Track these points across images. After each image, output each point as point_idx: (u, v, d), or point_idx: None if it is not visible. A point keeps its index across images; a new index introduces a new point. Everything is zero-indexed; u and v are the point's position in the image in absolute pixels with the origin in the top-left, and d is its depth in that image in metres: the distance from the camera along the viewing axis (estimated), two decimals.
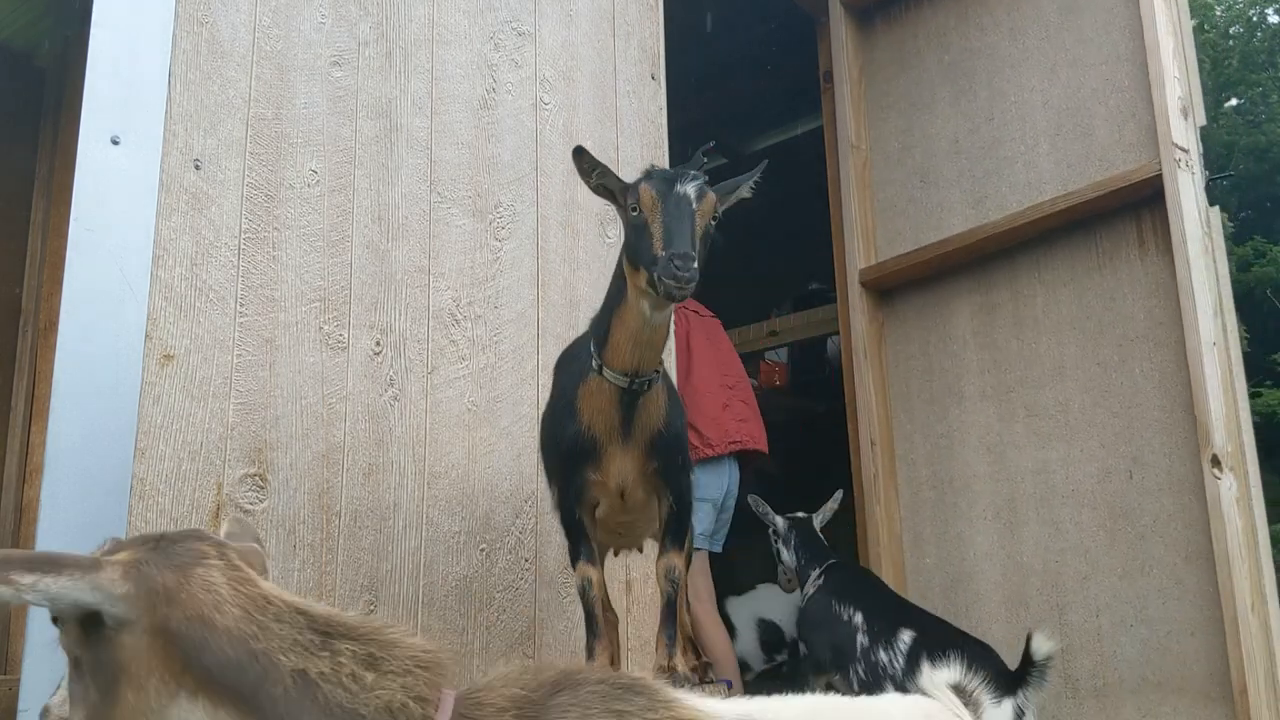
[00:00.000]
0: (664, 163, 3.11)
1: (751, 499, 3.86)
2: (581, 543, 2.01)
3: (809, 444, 5.57)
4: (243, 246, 2.09)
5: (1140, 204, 3.27)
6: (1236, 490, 2.94)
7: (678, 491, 2.00)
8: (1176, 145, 3.13)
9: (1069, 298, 3.46)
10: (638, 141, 3.05)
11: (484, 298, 2.54)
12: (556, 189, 2.78)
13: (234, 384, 2.03)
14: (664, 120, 3.15)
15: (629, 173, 2.99)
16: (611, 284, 1.95)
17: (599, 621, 2.00)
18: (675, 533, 2.00)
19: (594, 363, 1.89)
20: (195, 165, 2.04)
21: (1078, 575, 3.28)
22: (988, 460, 3.59)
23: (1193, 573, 3.00)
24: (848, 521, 4.05)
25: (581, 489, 1.97)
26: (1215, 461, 2.94)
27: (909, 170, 4.00)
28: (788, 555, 3.80)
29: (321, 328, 2.20)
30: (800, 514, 3.87)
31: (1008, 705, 2.70)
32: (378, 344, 2.29)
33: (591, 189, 1.94)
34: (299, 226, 2.19)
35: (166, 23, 2.02)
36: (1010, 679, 2.73)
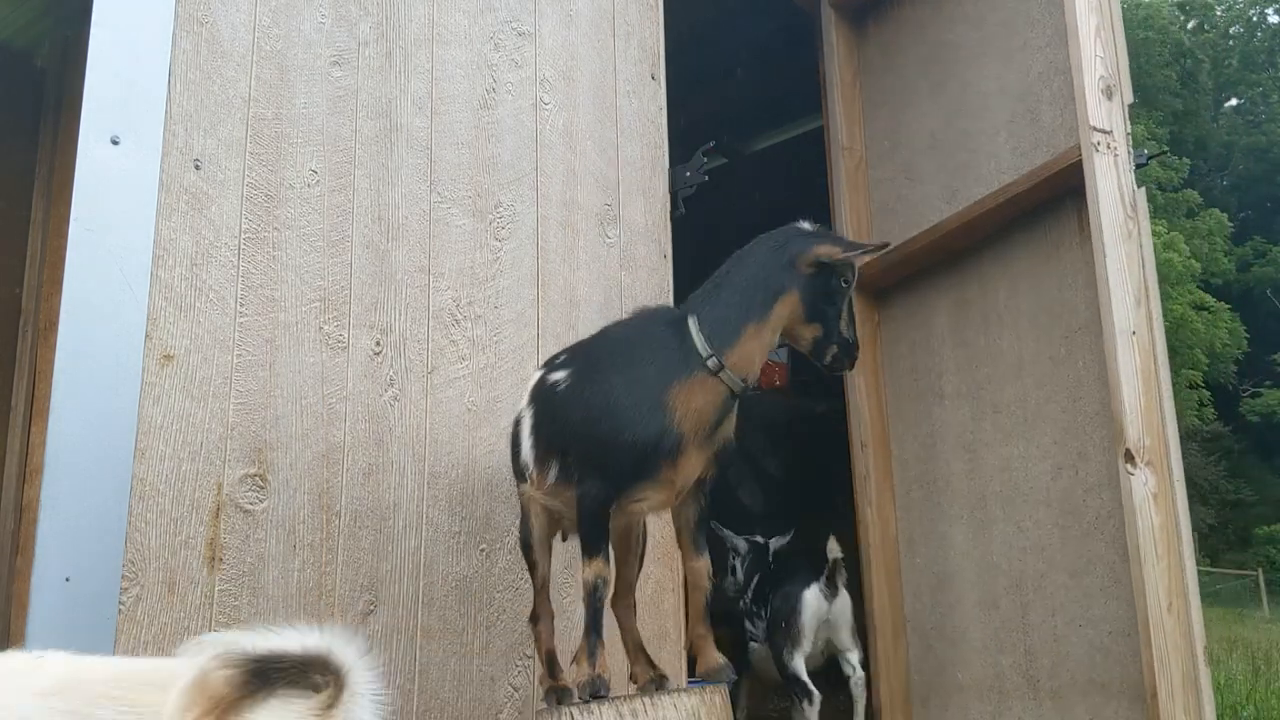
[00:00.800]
0: (664, 163, 3.11)
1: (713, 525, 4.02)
2: (602, 539, 1.93)
3: (809, 444, 5.57)
4: (243, 246, 2.09)
5: (1080, 190, 3.11)
6: (1153, 485, 2.81)
7: (709, 494, 2.00)
8: (1095, 128, 2.99)
9: (1026, 290, 3.34)
10: (638, 141, 3.05)
11: (484, 298, 2.54)
12: (556, 189, 2.78)
13: (234, 384, 2.03)
14: (664, 120, 3.15)
15: (629, 172, 3.01)
16: (752, 292, 1.90)
17: (604, 624, 1.99)
18: (703, 535, 2.00)
19: (711, 361, 1.84)
20: (195, 165, 2.04)
21: (1037, 574, 3.19)
22: (964, 459, 3.50)
23: (1129, 571, 2.87)
24: (849, 522, 4.05)
25: (637, 486, 1.88)
26: (1129, 456, 2.80)
27: (897, 168, 3.91)
28: (741, 574, 4.22)
29: (321, 328, 2.20)
30: (758, 538, 4.19)
31: (815, 587, 3.72)
32: (378, 344, 2.30)
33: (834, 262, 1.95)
34: (299, 226, 2.20)
35: (166, 22, 2.03)
36: (816, 569, 3.72)
